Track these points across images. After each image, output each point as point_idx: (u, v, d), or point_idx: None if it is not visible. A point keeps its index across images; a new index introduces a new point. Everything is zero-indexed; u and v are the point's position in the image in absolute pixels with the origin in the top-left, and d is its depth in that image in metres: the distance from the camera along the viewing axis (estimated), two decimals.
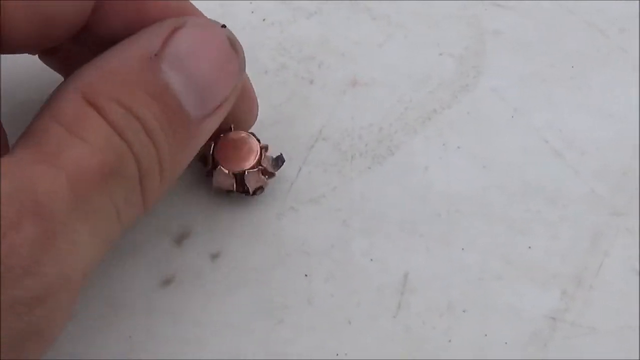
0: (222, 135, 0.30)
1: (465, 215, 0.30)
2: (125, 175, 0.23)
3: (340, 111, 0.33)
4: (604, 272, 0.29)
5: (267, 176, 0.30)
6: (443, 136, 0.32)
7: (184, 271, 0.29)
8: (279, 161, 0.30)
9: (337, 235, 0.30)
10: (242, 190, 0.30)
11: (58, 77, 0.30)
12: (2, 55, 0.26)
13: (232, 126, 0.30)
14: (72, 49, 0.27)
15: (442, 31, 0.35)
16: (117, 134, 0.23)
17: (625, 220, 0.30)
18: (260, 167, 0.29)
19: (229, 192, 0.30)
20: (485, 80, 0.33)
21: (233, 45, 0.26)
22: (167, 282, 0.29)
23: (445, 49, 0.34)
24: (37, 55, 0.29)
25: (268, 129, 0.32)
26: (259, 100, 0.30)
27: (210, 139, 0.29)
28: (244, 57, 0.27)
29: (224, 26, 0.26)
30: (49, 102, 0.24)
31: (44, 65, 0.30)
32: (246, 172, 0.29)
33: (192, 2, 0.28)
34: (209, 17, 0.28)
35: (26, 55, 0.27)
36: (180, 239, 0.30)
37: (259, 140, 0.30)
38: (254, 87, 0.30)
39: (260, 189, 0.30)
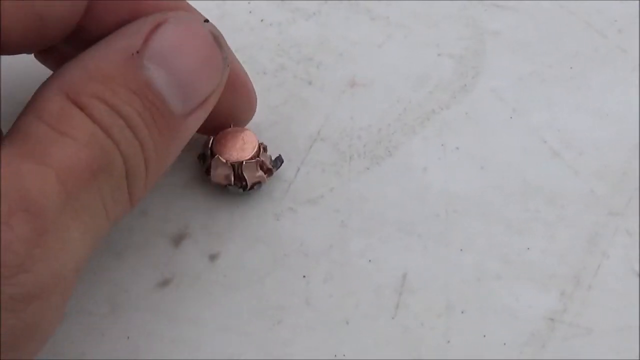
0: (221, 132, 0.30)
1: (463, 215, 0.30)
2: (112, 171, 0.23)
3: (339, 112, 0.32)
4: (602, 272, 0.29)
5: (265, 173, 0.30)
6: (442, 137, 0.32)
7: (182, 272, 0.29)
8: (277, 162, 0.30)
9: (335, 236, 0.30)
10: (239, 184, 0.30)
11: None
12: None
13: (231, 124, 0.30)
14: (68, 49, 0.27)
15: (441, 31, 0.35)
16: (103, 130, 0.23)
17: (624, 220, 0.30)
18: (258, 159, 0.29)
19: (227, 186, 0.30)
20: (484, 80, 0.33)
21: (217, 40, 0.26)
22: (165, 282, 0.29)
23: (444, 50, 0.34)
24: (33, 55, 0.29)
25: (266, 129, 0.32)
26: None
27: (209, 135, 0.30)
28: (227, 52, 0.26)
29: (206, 21, 0.26)
30: (32, 102, 0.23)
31: (41, 65, 0.30)
32: (244, 163, 0.29)
33: (189, 2, 0.28)
34: (206, 17, 0.28)
35: (23, 54, 0.27)
36: (178, 239, 0.30)
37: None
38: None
39: (258, 184, 0.30)
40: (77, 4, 0.25)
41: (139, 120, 0.24)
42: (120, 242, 0.29)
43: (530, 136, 0.32)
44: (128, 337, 0.28)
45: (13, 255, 0.21)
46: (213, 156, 0.29)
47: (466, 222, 0.30)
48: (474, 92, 0.33)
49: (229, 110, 0.29)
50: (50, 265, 0.21)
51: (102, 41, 0.25)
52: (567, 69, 0.34)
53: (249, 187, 0.30)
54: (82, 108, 0.23)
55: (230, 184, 0.30)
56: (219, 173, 0.30)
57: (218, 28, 0.29)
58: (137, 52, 0.24)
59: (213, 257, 0.29)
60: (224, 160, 0.29)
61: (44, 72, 0.29)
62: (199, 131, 0.30)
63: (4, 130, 0.26)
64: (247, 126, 0.31)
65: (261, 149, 0.30)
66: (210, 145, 0.30)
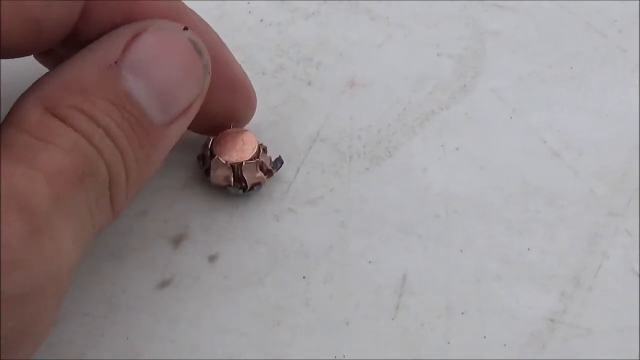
0: (220, 132, 0.30)
1: (463, 216, 0.30)
2: (97, 177, 0.23)
3: (339, 112, 0.32)
4: (602, 273, 0.29)
5: (265, 174, 0.30)
6: (441, 137, 0.32)
7: (181, 273, 0.29)
8: (277, 163, 0.30)
9: (335, 237, 0.30)
10: (239, 185, 0.30)
11: None
12: None
13: (231, 125, 0.30)
14: (66, 51, 0.27)
15: (440, 32, 0.34)
16: (85, 138, 0.23)
17: (624, 220, 0.30)
18: (257, 160, 0.29)
19: (226, 187, 0.30)
20: (484, 80, 0.33)
21: (196, 47, 0.26)
22: (164, 283, 0.29)
23: (443, 50, 0.34)
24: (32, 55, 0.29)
25: (266, 129, 0.32)
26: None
27: (209, 135, 0.30)
28: (208, 60, 0.26)
29: (186, 29, 0.26)
30: (10, 115, 0.23)
31: (42, 66, 0.30)
32: (243, 164, 0.29)
33: (187, 2, 0.28)
34: (205, 18, 0.28)
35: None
36: (177, 240, 0.30)
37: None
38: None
39: (257, 185, 0.30)
40: (73, 8, 0.24)
41: (118, 130, 0.24)
42: (120, 243, 0.29)
43: (530, 136, 0.32)
44: (127, 338, 0.28)
45: (10, 251, 0.20)
46: (213, 157, 0.29)
47: (466, 222, 0.30)
48: (473, 92, 0.33)
49: (228, 110, 0.29)
50: (46, 265, 0.21)
51: (80, 52, 0.25)
52: (567, 69, 0.34)
53: (248, 188, 0.30)
54: (61, 119, 0.23)
55: (230, 185, 0.30)
56: (219, 174, 0.29)
57: (217, 28, 0.29)
58: (115, 62, 0.24)
59: (213, 258, 0.29)
60: (224, 161, 0.29)
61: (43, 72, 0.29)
62: (198, 131, 0.30)
63: None
64: (246, 127, 0.31)
65: (261, 150, 0.30)
66: (209, 146, 0.30)
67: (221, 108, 0.29)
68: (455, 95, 0.33)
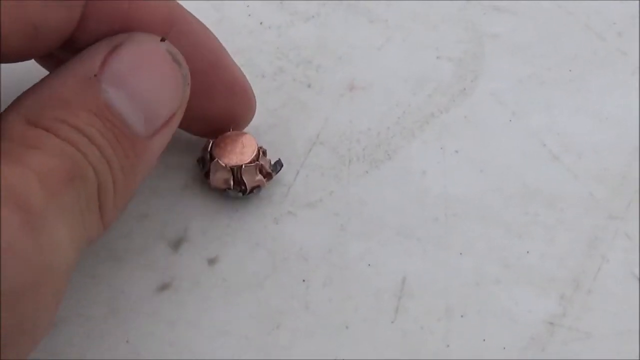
0: (220, 135, 0.30)
1: (463, 219, 0.30)
2: (87, 181, 0.23)
3: (338, 115, 0.32)
4: (602, 276, 0.29)
5: (265, 177, 0.30)
6: (441, 140, 0.32)
7: (181, 276, 0.29)
8: (277, 166, 0.30)
9: (334, 240, 0.30)
10: (239, 188, 0.30)
11: None
12: None
13: (231, 128, 0.30)
14: (65, 55, 0.27)
15: (440, 34, 0.35)
16: (71, 145, 0.23)
17: (623, 224, 0.30)
18: (257, 163, 0.29)
19: (226, 190, 0.30)
20: (483, 83, 0.33)
21: (175, 59, 0.26)
22: (164, 287, 0.29)
23: (443, 53, 0.34)
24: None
25: (265, 132, 0.32)
26: None
27: (209, 138, 0.30)
28: (187, 71, 0.26)
29: (163, 39, 0.26)
30: None
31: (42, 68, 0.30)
32: (243, 167, 0.29)
33: (186, 6, 0.27)
34: (204, 21, 0.28)
35: None
36: (177, 244, 0.30)
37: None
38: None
39: (257, 188, 0.30)
40: (71, 13, 0.24)
41: (102, 140, 0.24)
42: (120, 246, 0.29)
43: (530, 139, 0.32)
44: (127, 341, 0.28)
45: (8, 246, 0.20)
46: (212, 160, 0.29)
47: (465, 225, 0.30)
48: (473, 95, 0.33)
49: (228, 113, 0.29)
50: (43, 260, 0.21)
51: (60, 67, 0.25)
52: (567, 72, 0.34)
53: (248, 191, 0.30)
54: (45, 130, 0.23)
55: (229, 188, 0.30)
56: (218, 177, 0.29)
57: (216, 31, 0.29)
58: (95, 75, 0.24)
59: (212, 261, 0.29)
60: (224, 164, 0.29)
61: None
62: (198, 134, 0.30)
63: None
64: (245, 129, 0.31)
65: (260, 153, 0.30)
66: (209, 149, 0.30)
67: (221, 111, 0.29)
68: (455, 98, 0.33)
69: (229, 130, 0.30)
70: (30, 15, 0.23)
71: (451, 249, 0.30)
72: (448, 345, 0.28)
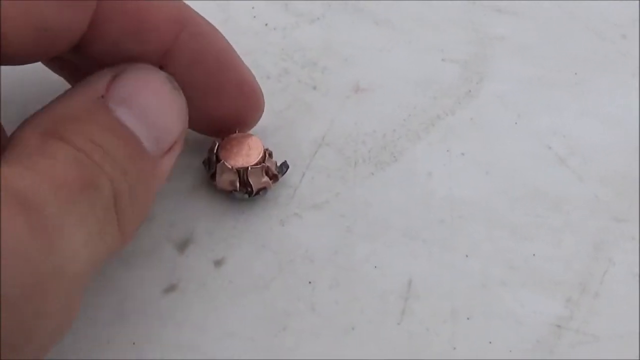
0: (226, 137, 0.30)
1: (468, 221, 0.30)
2: (101, 190, 0.23)
3: (344, 117, 0.32)
4: (608, 279, 0.29)
5: (271, 178, 0.30)
6: (446, 142, 0.32)
7: (187, 278, 0.29)
8: (283, 167, 0.30)
9: (340, 242, 0.30)
10: (245, 190, 0.30)
11: (62, 80, 0.30)
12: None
13: (237, 129, 0.30)
14: (75, 58, 0.27)
15: (445, 37, 0.35)
16: (85, 155, 0.23)
17: (629, 226, 0.30)
18: (263, 164, 0.29)
19: (232, 192, 0.30)
20: (489, 85, 0.33)
21: (174, 86, 0.26)
22: (170, 289, 0.29)
23: (448, 55, 0.34)
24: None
25: (271, 134, 0.32)
26: None
27: (215, 139, 0.30)
28: (184, 99, 0.26)
29: (162, 67, 0.26)
30: (9, 144, 0.23)
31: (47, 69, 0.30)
32: (249, 168, 0.29)
33: (191, 5, 0.27)
34: (210, 21, 0.28)
35: None
36: (183, 245, 0.30)
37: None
38: None
39: (263, 189, 0.30)
40: (83, 14, 0.24)
41: (118, 152, 0.24)
42: (126, 248, 0.29)
43: (535, 142, 0.32)
44: (134, 343, 0.28)
45: (12, 246, 0.20)
46: (218, 162, 0.29)
47: (471, 227, 0.30)
48: (478, 97, 0.33)
49: (236, 113, 0.29)
50: (49, 264, 0.21)
51: (64, 92, 0.25)
52: (572, 75, 0.34)
53: (254, 192, 0.30)
54: (61, 139, 0.23)
55: (235, 190, 0.30)
56: (225, 179, 0.29)
57: (221, 32, 0.29)
58: (102, 97, 0.24)
59: (218, 263, 0.29)
60: (230, 166, 0.29)
61: (50, 75, 0.29)
62: (205, 133, 0.30)
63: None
64: (251, 131, 0.31)
65: (267, 155, 0.30)
66: (215, 151, 0.30)
67: (229, 111, 0.29)
68: (461, 101, 0.33)
69: (235, 131, 0.30)
70: (40, 16, 0.23)
71: (457, 251, 0.30)
72: (454, 347, 0.28)
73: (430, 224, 0.30)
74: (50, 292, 0.21)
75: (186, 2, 0.28)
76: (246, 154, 0.29)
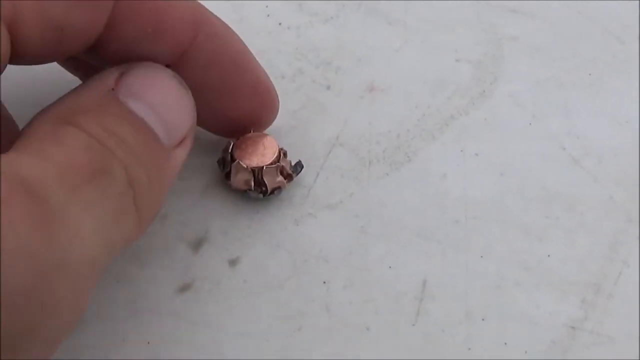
0: (241, 137, 0.30)
1: (483, 221, 0.30)
2: (114, 177, 0.23)
3: (358, 117, 0.32)
4: (623, 280, 0.29)
5: (285, 178, 0.30)
6: (461, 143, 0.32)
7: (202, 277, 0.29)
8: (297, 167, 0.30)
9: (355, 242, 0.30)
10: (260, 189, 0.30)
11: (77, 80, 0.30)
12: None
13: (252, 129, 0.30)
14: (90, 59, 0.27)
15: (459, 37, 0.35)
16: (98, 142, 0.23)
17: None
18: (278, 164, 0.29)
19: (246, 191, 0.30)
20: (503, 86, 0.33)
21: (182, 83, 0.26)
22: (185, 288, 0.29)
23: (462, 55, 0.34)
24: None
25: (285, 134, 0.32)
26: None
27: (230, 139, 0.30)
28: (193, 99, 0.26)
29: (168, 66, 0.26)
30: (22, 133, 0.23)
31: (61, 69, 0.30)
32: (264, 168, 0.29)
33: (204, 5, 0.27)
34: (224, 21, 0.28)
35: None
36: (198, 245, 0.30)
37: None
38: None
39: (277, 189, 0.30)
40: (100, 14, 0.24)
41: (132, 139, 0.23)
42: (140, 246, 0.29)
43: (550, 142, 0.32)
44: (148, 342, 0.28)
45: (13, 237, 0.20)
46: (233, 161, 0.29)
47: (485, 228, 0.30)
48: (492, 97, 0.33)
49: (251, 113, 0.29)
50: (53, 255, 0.20)
51: (75, 88, 0.25)
52: (586, 75, 0.34)
53: (269, 192, 0.30)
54: (75, 125, 0.23)
55: (250, 189, 0.30)
56: (239, 178, 0.29)
57: (236, 32, 0.29)
58: (112, 89, 0.24)
59: (233, 262, 0.29)
60: (245, 166, 0.29)
61: (62, 73, 0.29)
62: (220, 134, 0.30)
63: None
64: (265, 131, 0.31)
65: (281, 155, 0.30)
66: (230, 150, 0.30)
67: (244, 111, 0.29)
68: (474, 101, 0.33)
69: (250, 131, 0.30)
70: (55, 15, 0.23)
71: (471, 251, 0.30)
72: (469, 348, 0.28)
73: (445, 225, 0.30)
74: (54, 284, 0.20)
75: (200, 1, 0.28)
76: (261, 154, 0.30)
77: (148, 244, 0.29)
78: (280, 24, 0.35)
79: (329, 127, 0.32)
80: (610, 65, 0.34)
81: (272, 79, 0.30)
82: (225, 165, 0.30)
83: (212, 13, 0.27)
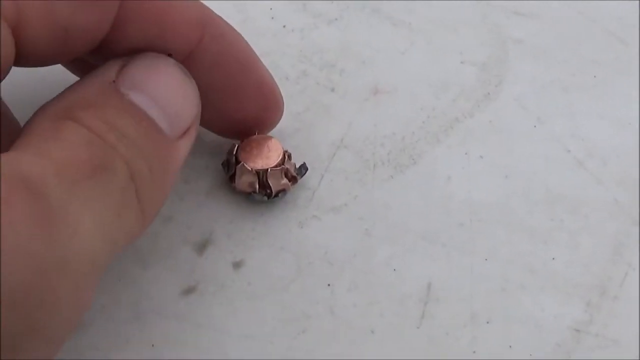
0: (246, 139, 0.30)
1: (487, 224, 0.30)
2: (115, 172, 0.22)
3: (362, 119, 0.32)
4: (628, 282, 0.29)
5: (290, 180, 0.30)
6: (465, 145, 0.32)
7: (206, 280, 0.29)
8: (302, 169, 0.30)
9: (359, 244, 0.30)
10: (264, 192, 0.29)
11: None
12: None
13: (256, 131, 0.30)
14: (98, 60, 0.27)
15: (464, 39, 0.34)
16: (99, 137, 0.22)
17: None
18: (283, 166, 0.29)
19: (251, 193, 0.30)
20: (508, 88, 0.33)
21: (185, 73, 0.26)
22: (189, 290, 0.29)
23: (467, 57, 0.34)
24: None
25: (289, 136, 0.32)
26: None
27: (234, 141, 0.30)
28: (197, 88, 0.26)
29: (170, 55, 0.26)
30: (23, 129, 0.23)
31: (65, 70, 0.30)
32: (269, 170, 0.29)
33: (208, 6, 0.27)
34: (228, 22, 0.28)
35: None
36: (202, 247, 0.30)
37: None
38: None
39: (282, 191, 0.30)
40: (105, 15, 0.24)
41: (134, 132, 0.23)
42: (145, 249, 0.29)
43: (554, 145, 0.32)
44: (153, 345, 0.28)
45: (13, 236, 0.19)
46: (238, 163, 0.29)
47: (490, 231, 0.30)
48: (497, 100, 0.33)
49: (256, 115, 0.29)
50: (56, 251, 0.20)
51: (76, 82, 0.25)
52: (590, 77, 0.34)
53: (273, 194, 0.30)
54: (75, 121, 0.23)
55: (254, 192, 0.30)
56: (244, 180, 0.29)
57: (240, 33, 0.29)
58: (113, 82, 0.24)
59: (237, 265, 0.29)
60: (249, 168, 0.29)
61: (68, 78, 0.29)
62: (225, 136, 0.30)
63: None
64: (269, 133, 0.31)
65: (286, 157, 0.30)
66: (234, 153, 0.30)
67: (249, 113, 0.29)
68: (479, 103, 0.33)
69: (255, 133, 0.30)
70: (60, 16, 0.23)
71: (476, 254, 0.30)
72: (474, 352, 0.28)
73: (449, 227, 0.30)
74: (54, 282, 0.20)
75: (204, 2, 0.28)
76: (266, 156, 0.29)
77: (152, 246, 0.29)
78: (284, 26, 0.35)
79: (334, 130, 0.32)
80: (615, 68, 0.34)
81: (276, 80, 0.30)
82: (230, 167, 0.30)
83: (216, 14, 0.27)
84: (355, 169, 0.31)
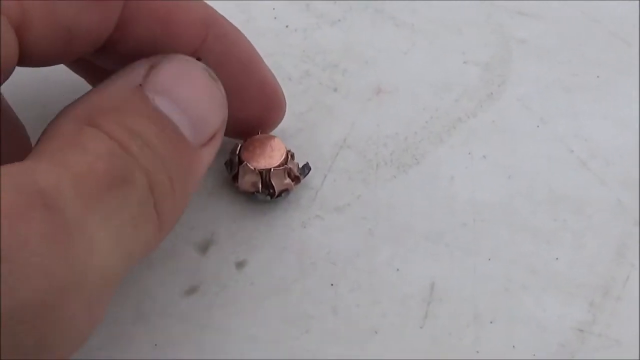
0: (249, 139, 0.30)
1: (491, 224, 0.30)
2: (134, 184, 0.22)
3: (365, 119, 0.32)
4: (631, 282, 0.29)
5: (293, 180, 0.30)
6: (468, 145, 0.32)
7: (209, 280, 0.29)
8: (305, 169, 0.30)
9: (362, 244, 0.30)
10: (267, 191, 0.29)
11: (84, 81, 0.30)
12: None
13: (259, 131, 0.30)
14: (100, 60, 0.27)
15: (466, 39, 0.34)
16: (120, 147, 0.22)
17: None
18: (286, 166, 0.29)
19: (254, 193, 0.30)
20: (511, 88, 0.33)
21: (212, 76, 0.25)
22: (192, 290, 0.29)
23: (470, 57, 0.34)
24: None
25: (292, 136, 0.32)
26: None
27: (237, 140, 0.30)
28: (223, 90, 0.26)
29: (199, 59, 0.26)
30: (43, 133, 0.23)
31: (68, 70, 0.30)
32: (272, 170, 0.29)
33: (211, 5, 0.27)
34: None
35: None
36: (205, 247, 0.30)
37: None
38: None
39: (285, 191, 0.30)
40: (109, 15, 0.24)
41: (156, 142, 0.23)
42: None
43: (557, 145, 0.32)
44: (155, 345, 0.28)
45: (29, 253, 0.19)
46: (241, 163, 0.29)
47: (493, 231, 0.30)
48: (500, 100, 0.33)
49: (258, 114, 0.29)
50: (71, 268, 0.20)
51: (102, 83, 0.24)
52: (594, 78, 0.33)
53: (276, 194, 0.30)
54: (97, 127, 0.22)
55: (257, 191, 0.30)
56: (247, 180, 0.29)
57: (243, 33, 0.29)
58: (140, 85, 0.24)
59: (240, 265, 0.29)
60: (252, 168, 0.29)
61: (71, 76, 0.29)
62: (228, 135, 0.30)
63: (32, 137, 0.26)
64: (272, 133, 0.31)
65: (289, 157, 0.30)
66: (237, 152, 0.30)
67: (252, 112, 0.29)
68: (482, 103, 0.33)
69: (257, 133, 0.30)
70: (64, 16, 0.23)
71: (479, 254, 0.29)
72: (477, 352, 0.28)
73: (453, 227, 0.30)
74: (69, 300, 0.20)
75: (207, 2, 0.28)
76: (269, 156, 0.29)
77: None
78: (287, 26, 0.35)
79: (336, 130, 0.32)
80: (618, 68, 0.34)
81: (279, 81, 0.30)
82: (233, 167, 0.30)
83: (219, 13, 0.27)
84: (358, 169, 0.31)
